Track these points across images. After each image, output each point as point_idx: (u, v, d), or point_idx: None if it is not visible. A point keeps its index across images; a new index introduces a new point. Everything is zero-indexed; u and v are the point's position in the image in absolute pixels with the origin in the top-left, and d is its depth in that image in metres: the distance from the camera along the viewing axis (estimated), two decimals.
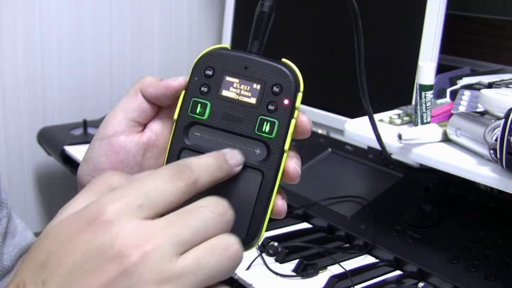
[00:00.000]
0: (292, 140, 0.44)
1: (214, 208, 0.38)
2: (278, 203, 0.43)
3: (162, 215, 0.37)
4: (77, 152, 1.41)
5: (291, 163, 0.43)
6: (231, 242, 0.37)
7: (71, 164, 1.41)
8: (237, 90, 0.44)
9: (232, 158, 0.42)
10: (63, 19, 1.56)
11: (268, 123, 0.43)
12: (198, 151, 0.43)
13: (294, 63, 0.44)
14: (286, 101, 0.43)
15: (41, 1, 1.51)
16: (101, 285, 0.34)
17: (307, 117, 0.44)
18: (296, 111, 0.43)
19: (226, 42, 1.64)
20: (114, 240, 0.35)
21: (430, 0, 1.11)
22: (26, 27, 1.50)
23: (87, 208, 0.37)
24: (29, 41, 1.52)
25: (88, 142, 0.49)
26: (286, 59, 0.45)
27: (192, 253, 0.36)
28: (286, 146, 0.43)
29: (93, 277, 0.35)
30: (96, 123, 1.47)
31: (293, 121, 0.43)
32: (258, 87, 0.43)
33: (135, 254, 0.35)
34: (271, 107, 0.43)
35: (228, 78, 0.44)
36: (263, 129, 0.43)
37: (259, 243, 0.98)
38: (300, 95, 0.43)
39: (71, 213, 0.38)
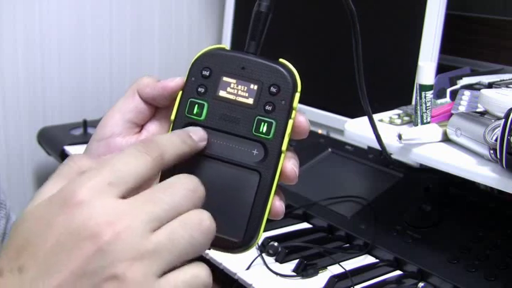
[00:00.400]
0: (291, 140, 0.43)
1: (186, 184, 0.38)
2: (276, 204, 0.43)
3: (134, 191, 0.37)
4: (77, 152, 1.40)
5: (289, 164, 0.43)
6: (203, 217, 0.38)
7: None
8: (234, 91, 0.44)
9: (195, 133, 0.42)
10: (63, 19, 1.55)
11: (266, 124, 0.43)
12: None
13: (294, 64, 0.44)
14: (283, 102, 0.43)
15: (41, 1, 1.51)
16: (77, 265, 0.35)
17: (305, 117, 0.44)
18: (294, 112, 0.43)
19: (226, 42, 1.64)
20: (87, 221, 0.35)
21: (430, 0, 1.11)
22: (26, 27, 1.50)
23: (59, 192, 0.37)
24: (29, 41, 1.52)
25: (88, 142, 0.49)
26: (286, 59, 0.44)
27: (165, 229, 0.36)
28: (284, 147, 0.43)
29: (68, 258, 0.35)
30: (96, 123, 1.46)
31: (290, 121, 0.43)
32: (255, 87, 0.43)
33: (108, 232, 0.35)
34: (268, 108, 0.43)
35: (225, 79, 0.44)
36: (260, 130, 0.43)
37: (258, 244, 0.98)
38: (297, 95, 0.43)
39: (42, 199, 0.38)
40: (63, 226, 0.36)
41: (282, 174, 0.43)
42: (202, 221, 0.37)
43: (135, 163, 0.38)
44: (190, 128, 0.43)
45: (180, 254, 0.36)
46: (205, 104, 0.44)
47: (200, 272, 0.37)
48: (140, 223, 0.36)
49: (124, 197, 0.37)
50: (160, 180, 0.40)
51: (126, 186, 0.37)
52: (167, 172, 0.41)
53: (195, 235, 0.37)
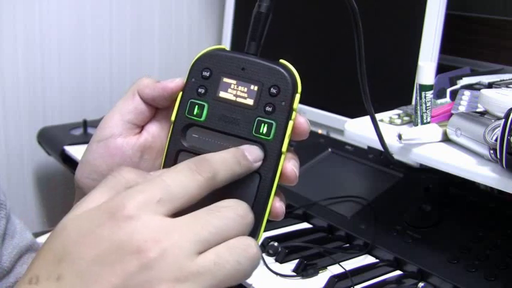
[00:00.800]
0: (291, 141, 0.43)
1: (236, 209, 0.38)
2: (276, 205, 0.43)
3: (182, 210, 0.37)
4: (77, 152, 1.41)
5: (289, 165, 0.43)
6: (251, 244, 0.37)
7: (71, 164, 1.41)
8: (234, 92, 0.43)
9: (251, 153, 0.41)
10: (63, 19, 1.55)
11: (266, 125, 0.43)
12: (196, 153, 0.43)
13: (294, 64, 0.44)
14: (283, 103, 0.43)
15: (41, 1, 1.51)
16: (119, 279, 0.34)
17: (305, 118, 0.44)
18: (294, 113, 0.43)
19: (226, 43, 1.64)
20: (134, 235, 0.35)
21: (430, 0, 1.11)
22: (26, 27, 1.50)
23: (106, 203, 0.37)
24: (29, 41, 1.52)
25: (88, 142, 0.49)
26: (286, 59, 0.44)
27: (211, 252, 0.36)
28: (284, 148, 0.43)
29: (111, 271, 0.34)
30: (96, 123, 1.46)
31: (291, 122, 0.43)
32: (256, 88, 0.43)
33: (154, 249, 0.35)
34: (268, 109, 0.43)
35: (225, 80, 0.44)
36: (260, 131, 0.43)
37: (259, 242, 0.98)
38: (297, 96, 0.43)
39: (88, 208, 0.37)
40: (108, 238, 0.35)
41: (282, 175, 0.43)
42: (249, 248, 0.37)
43: (187, 182, 0.37)
44: (246, 147, 0.42)
45: (224, 279, 0.36)
46: (206, 105, 0.44)
47: None
48: (187, 243, 0.35)
49: (172, 215, 0.36)
50: None
51: (176, 205, 0.37)
52: None
53: (241, 261, 0.36)
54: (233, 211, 0.38)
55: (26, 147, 1.58)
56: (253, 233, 0.42)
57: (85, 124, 1.52)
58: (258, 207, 0.42)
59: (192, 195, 0.37)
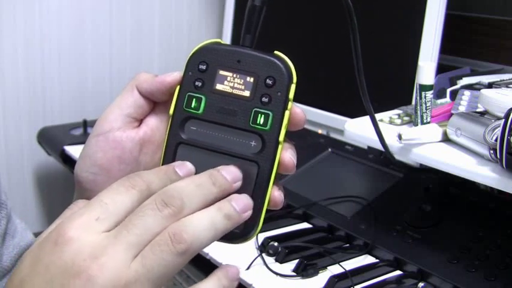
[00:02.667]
0: (287, 131, 0.44)
1: (155, 205, 0.39)
2: (275, 194, 0.44)
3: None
4: (77, 152, 1.41)
5: (286, 154, 0.44)
6: (174, 230, 0.38)
7: (71, 164, 1.41)
8: (231, 84, 0.44)
9: (180, 168, 0.42)
10: (63, 19, 1.56)
11: (263, 116, 0.43)
12: (195, 145, 0.44)
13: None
14: (279, 93, 0.43)
15: (41, 1, 1.51)
16: None
17: (301, 109, 0.44)
18: (290, 103, 0.44)
19: (227, 42, 1.63)
20: (74, 257, 0.37)
21: (430, 0, 1.11)
22: (26, 27, 1.50)
23: (52, 231, 0.39)
24: (29, 41, 1.52)
25: None
26: (281, 52, 0.45)
27: (140, 256, 0.37)
28: (281, 138, 0.43)
29: None
30: None
31: (287, 112, 0.43)
32: (252, 80, 0.44)
33: (93, 266, 0.36)
34: (265, 99, 0.43)
35: (221, 72, 0.44)
36: (258, 122, 0.43)
37: (258, 244, 0.98)
38: (293, 87, 0.44)
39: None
40: (53, 264, 0.37)
41: (280, 164, 0.44)
42: (173, 242, 0.37)
43: (121, 197, 0.39)
44: (178, 163, 0.43)
45: (158, 279, 0.37)
46: (203, 98, 0.44)
47: None
48: (120, 253, 0.37)
49: (111, 229, 0.38)
50: None
51: (114, 221, 0.38)
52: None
53: (165, 257, 0.37)
54: (152, 207, 0.38)
55: (26, 147, 1.58)
56: (253, 222, 0.43)
57: (85, 124, 1.53)
58: (257, 196, 0.43)
59: (128, 208, 0.39)
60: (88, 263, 0.36)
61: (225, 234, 0.41)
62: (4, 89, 1.51)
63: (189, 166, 0.43)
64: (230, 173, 0.42)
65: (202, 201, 0.40)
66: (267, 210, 0.44)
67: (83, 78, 1.62)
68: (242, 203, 0.41)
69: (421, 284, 0.88)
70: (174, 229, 0.38)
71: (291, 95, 0.43)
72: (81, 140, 1.46)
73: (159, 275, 0.37)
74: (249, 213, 0.41)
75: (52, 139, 1.51)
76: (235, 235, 0.43)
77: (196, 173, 0.43)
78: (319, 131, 1.36)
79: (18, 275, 0.39)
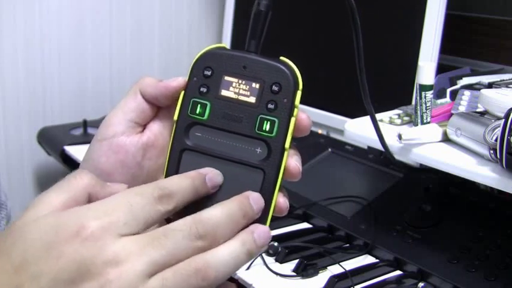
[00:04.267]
0: (293, 138, 0.44)
1: (189, 233, 0.38)
2: (280, 201, 0.44)
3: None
4: (77, 152, 1.41)
5: (292, 160, 0.44)
6: (199, 267, 0.38)
7: (71, 164, 1.41)
8: (236, 90, 0.44)
9: (211, 179, 0.42)
10: (63, 19, 1.55)
11: (268, 122, 0.43)
12: (199, 152, 0.44)
13: (294, 63, 0.44)
14: (285, 100, 0.43)
15: (41, 1, 1.51)
16: None
17: (307, 114, 0.44)
18: (296, 109, 0.43)
19: (226, 42, 1.64)
20: (95, 256, 0.36)
21: (430, 0, 1.11)
22: (26, 27, 1.50)
23: (72, 216, 0.37)
24: (29, 41, 1.52)
25: (88, 142, 0.49)
26: (286, 58, 0.45)
27: (159, 276, 0.37)
28: (287, 144, 0.43)
29: None
30: (96, 123, 1.47)
31: (293, 119, 0.43)
32: (257, 86, 0.43)
33: (112, 271, 0.36)
34: (270, 106, 0.43)
35: (226, 78, 0.44)
36: (263, 128, 0.43)
37: None
38: (299, 93, 0.43)
39: (44, 211, 0.38)
40: (70, 256, 0.36)
41: (286, 171, 0.44)
42: (197, 272, 0.38)
43: (150, 210, 0.39)
44: (207, 171, 0.43)
45: None
46: (208, 104, 0.44)
47: None
48: (141, 266, 0.37)
49: (133, 235, 0.38)
50: None
51: (136, 230, 0.38)
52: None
53: (188, 283, 0.37)
54: (185, 234, 0.38)
55: (26, 147, 1.58)
56: None
57: (85, 124, 1.52)
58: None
59: (152, 222, 0.39)
60: (109, 267, 0.36)
61: None
62: (4, 89, 1.51)
63: (219, 178, 0.43)
64: (257, 203, 0.42)
65: (232, 233, 0.40)
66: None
67: (83, 78, 1.62)
68: (264, 237, 0.41)
69: (421, 284, 0.88)
70: (201, 263, 0.38)
71: (297, 101, 0.43)
72: (81, 140, 1.46)
73: None
74: (267, 243, 0.41)
75: (52, 139, 1.51)
76: None
77: None
78: (319, 131, 1.36)
79: (21, 252, 0.37)
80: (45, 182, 1.65)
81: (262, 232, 0.41)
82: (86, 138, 1.47)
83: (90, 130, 1.52)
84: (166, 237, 0.38)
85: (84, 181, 0.41)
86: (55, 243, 0.36)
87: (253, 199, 0.42)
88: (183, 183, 0.41)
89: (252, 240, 0.40)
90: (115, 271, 0.36)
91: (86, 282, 0.35)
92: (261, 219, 0.43)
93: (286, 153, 0.43)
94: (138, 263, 0.36)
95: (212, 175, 0.42)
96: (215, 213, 0.40)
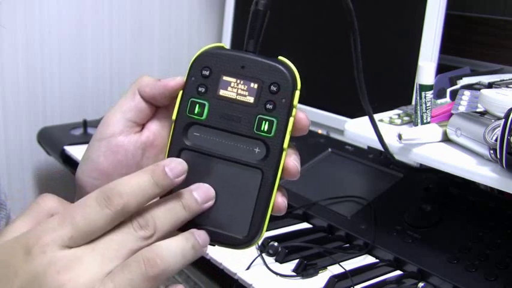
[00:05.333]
0: (291, 137, 0.44)
1: (132, 227, 0.40)
2: (278, 200, 0.44)
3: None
4: (77, 152, 1.41)
5: (291, 160, 0.44)
6: (149, 255, 0.39)
7: (71, 164, 1.41)
8: (235, 90, 0.44)
9: (172, 169, 0.42)
10: (63, 19, 1.55)
11: (267, 122, 0.43)
12: (198, 151, 0.44)
13: (294, 64, 0.44)
14: (283, 100, 0.43)
15: (41, 1, 1.51)
16: None
17: (305, 114, 0.44)
18: (294, 109, 0.43)
19: (226, 42, 1.64)
20: (47, 268, 0.38)
21: (430, 0, 1.11)
22: (26, 27, 1.50)
23: (23, 237, 0.40)
24: (29, 41, 1.52)
25: (88, 142, 0.49)
26: (285, 58, 0.45)
27: (110, 273, 0.38)
28: (285, 144, 0.43)
29: None
30: (96, 123, 1.46)
31: (291, 119, 0.43)
32: (256, 86, 0.43)
33: (66, 277, 0.38)
34: (269, 106, 0.43)
35: (225, 78, 0.44)
36: (262, 128, 0.43)
37: (259, 244, 0.98)
38: (297, 93, 0.43)
39: (10, 236, 0.41)
40: (25, 272, 0.38)
41: (285, 170, 0.44)
42: (145, 264, 0.38)
43: (95, 217, 0.39)
44: (168, 162, 0.42)
45: None
46: (206, 104, 0.44)
47: None
48: (96, 267, 0.38)
49: (82, 245, 0.39)
50: None
51: (86, 239, 0.39)
52: None
53: (135, 279, 0.38)
54: (127, 227, 0.40)
55: (26, 147, 1.58)
56: (257, 229, 0.43)
57: (85, 124, 1.53)
58: (261, 203, 0.43)
59: (101, 227, 0.39)
60: (62, 275, 0.38)
61: (230, 240, 0.43)
62: (4, 89, 1.51)
63: (181, 166, 0.42)
64: (202, 195, 0.42)
65: (173, 225, 0.41)
66: (270, 216, 0.44)
67: (83, 78, 1.62)
68: (203, 236, 0.42)
69: (421, 284, 0.88)
70: (148, 253, 0.39)
71: (296, 101, 0.43)
72: (81, 140, 1.46)
73: None
74: (207, 244, 0.42)
75: (52, 139, 1.51)
76: (239, 241, 0.43)
77: (200, 180, 0.43)
78: (319, 131, 1.36)
79: None
80: (45, 182, 1.65)
81: (202, 233, 0.42)
82: (86, 138, 1.47)
83: (90, 130, 1.52)
84: (114, 234, 0.39)
85: (48, 205, 0.43)
86: (11, 263, 0.39)
87: (198, 191, 0.42)
88: (134, 180, 0.40)
89: (193, 237, 0.41)
90: (69, 276, 0.38)
91: None
92: (260, 218, 0.43)
93: (284, 153, 0.43)
94: (91, 264, 0.38)
95: (173, 165, 0.41)
96: (153, 208, 0.41)
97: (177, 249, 0.40)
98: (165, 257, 0.39)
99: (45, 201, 0.43)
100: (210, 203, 0.43)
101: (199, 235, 0.42)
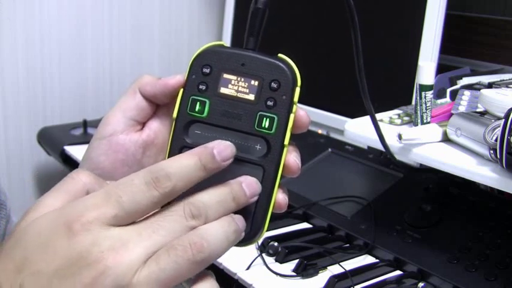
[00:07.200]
0: (292, 134, 0.44)
1: (183, 214, 0.39)
2: (279, 197, 0.44)
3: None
4: (77, 152, 1.41)
5: (291, 157, 0.44)
6: (195, 238, 0.38)
7: (71, 164, 1.41)
8: (235, 87, 0.44)
9: (220, 152, 0.40)
10: (63, 19, 1.55)
11: (268, 119, 0.43)
12: None
13: (294, 63, 0.44)
14: (284, 97, 0.43)
15: (41, 1, 1.51)
16: None
17: (305, 111, 0.44)
18: (294, 106, 0.44)
19: (227, 41, 1.63)
20: (91, 247, 0.36)
21: (430, 0, 1.11)
22: (26, 27, 1.50)
23: (64, 212, 0.38)
24: (29, 41, 1.52)
25: (88, 142, 0.49)
26: (284, 55, 0.45)
27: (156, 255, 0.37)
28: (286, 141, 0.43)
29: (72, 283, 0.36)
30: (96, 123, 1.46)
31: (292, 116, 0.43)
32: (256, 83, 0.44)
33: (110, 258, 0.36)
34: (269, 103, 0.43)
35: (225, 76, 0.44)
36: (262, 125, 0.43)
37: (259, 243, 0.98)
38: (297, 90, 0.44)
39: (44, 211, 0.39)
40: (66, 250, 0.36)
41: (285, 167, 0.44)
42: (194, 245, 0.37)
43: (141, 198, 0.38)
44: (217, 144, 0.41)
45: (167, 280, 0.37)
46: (207, 101, 0.44)
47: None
48: (142, 250, 0.37)
49: (126, 225, 0.38)
50: None
51: (130, 220, 0.38)
52: None
53: (180, 262, 0.37)
54: (179, 213, 0.38)
55: (26, 147, 1.58)
56: (259, 226, 0.43)
57: (85, 124, 1.53)
58: (262, 200, 0.43)
59: (147, 209, 0.38)
60: (106, 254, 0.36)
61: None
62: (4, 89, 1.51)
63: (229, 149, 0.41)
64: (250, 188, 0.41)
65: (221, 215, 0.40)
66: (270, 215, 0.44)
67: (83, 78, 1.62)
68: (242, 221, 0.41)
69: (421, 284, 0.88)
70: (195, 237, 0.38)
71: (296, 98, 0.43)
72: (81, 140, 1.46)
73: (169, 278, 0.37)
74: (242, 229, 0.41)
75: (52, 139, 1.51)
76: (241, 238, 0.43)
77: None
78: (319, 131, 1.36)
79: (22, 251, 0.37)
80: (45, 182, 1.65)
81: (239, 217, 0.41)
82: (86, 138, 1.47)
83: (90, 130, 1.52)
84: (164, 218, 0.38)
85: (82, 180, 0.41)
86: (50, 240, 0.37)
87: (247, 183, 0.41)
88: (183, 162, 0.39)
89: (235, 223, 0.40)
90: (113, 257, 0.36)
91: (84, 274, 0.36)
92: (261, 216, 0.43)
93: (285, 149, 0.43)
94: (137, 247, 0.37)
95: (222, 147, 0.40)
96: (204, 196, 0.40)
97: (222, 234, 0.39)
98: (212, 241, 0.38)
99: (80, 176, 0.41)
100: (256, 197, 0.42)
101: (238, 219, 0.41)
